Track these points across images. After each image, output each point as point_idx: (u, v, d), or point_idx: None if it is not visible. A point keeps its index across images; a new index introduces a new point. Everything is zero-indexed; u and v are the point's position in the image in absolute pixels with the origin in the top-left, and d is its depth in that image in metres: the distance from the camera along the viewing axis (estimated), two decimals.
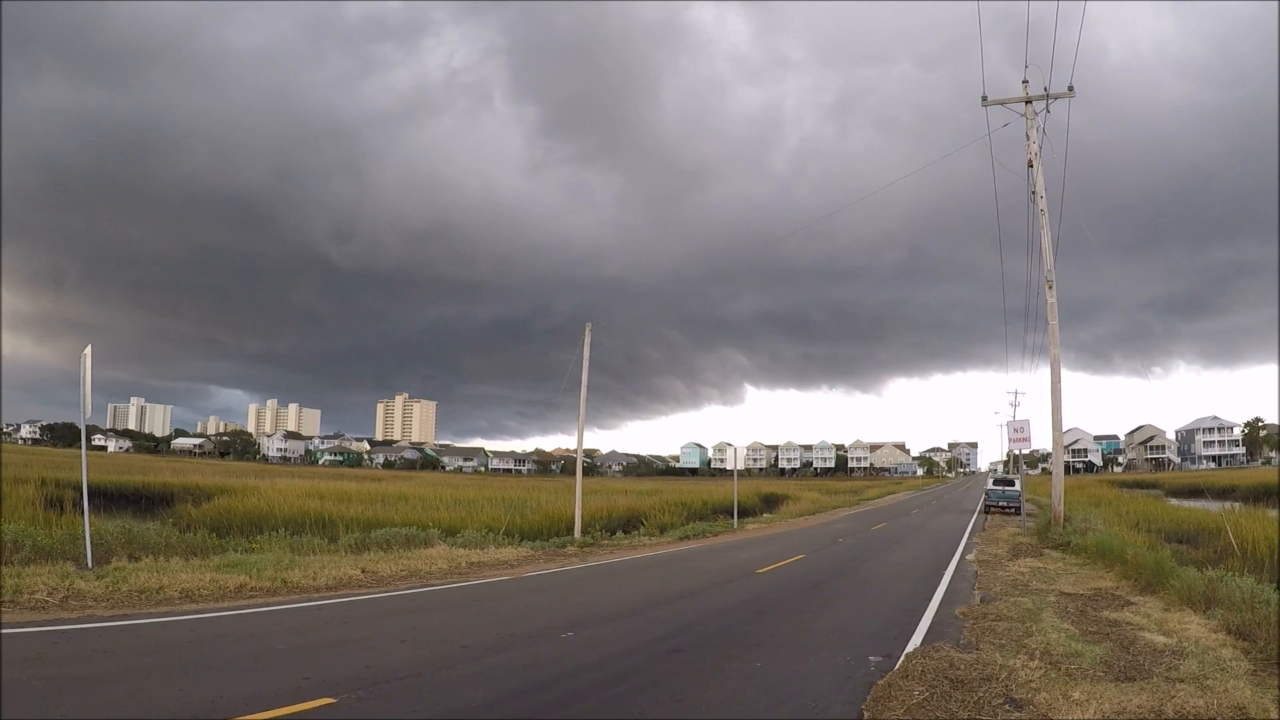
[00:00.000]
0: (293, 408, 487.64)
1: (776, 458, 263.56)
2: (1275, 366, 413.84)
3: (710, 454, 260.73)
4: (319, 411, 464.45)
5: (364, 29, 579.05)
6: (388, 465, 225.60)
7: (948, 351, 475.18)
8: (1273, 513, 39.24)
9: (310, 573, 17.89)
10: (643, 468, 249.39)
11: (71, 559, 17.22)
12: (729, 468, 57.36)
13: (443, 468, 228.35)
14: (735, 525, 42.14)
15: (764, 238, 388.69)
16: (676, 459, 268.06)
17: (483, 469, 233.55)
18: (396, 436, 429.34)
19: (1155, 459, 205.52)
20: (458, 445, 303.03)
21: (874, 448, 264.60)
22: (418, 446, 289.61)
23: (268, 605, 14.80)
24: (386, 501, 50.07)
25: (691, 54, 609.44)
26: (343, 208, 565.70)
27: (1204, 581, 15.49)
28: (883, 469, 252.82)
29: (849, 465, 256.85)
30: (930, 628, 13.24)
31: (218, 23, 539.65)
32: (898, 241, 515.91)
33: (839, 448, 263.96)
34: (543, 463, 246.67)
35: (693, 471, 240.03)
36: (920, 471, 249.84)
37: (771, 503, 75.07)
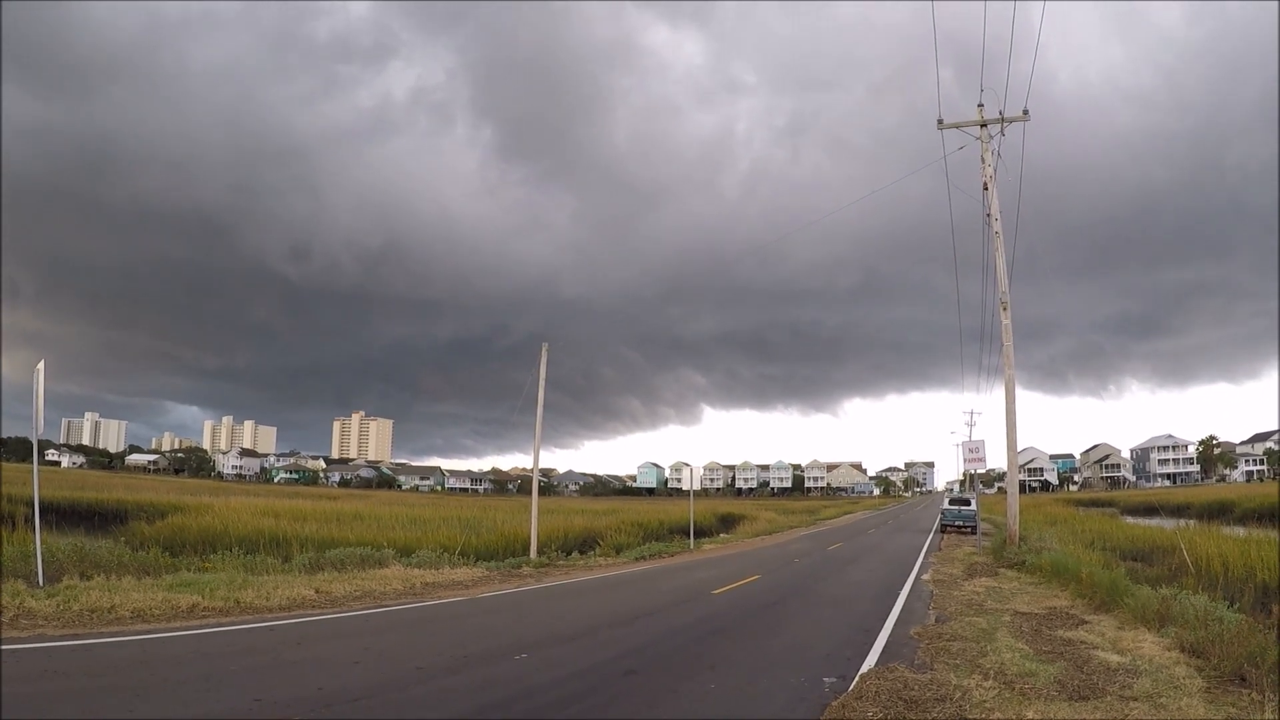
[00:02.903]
0: (248, 424, 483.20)
1: (733, 478, 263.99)
2: (1226, 384, 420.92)
3: (667, 474, 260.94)
4: (275, 429, 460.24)
5: (329, 49, 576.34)
6: (343, 484, 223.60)
7: (904, 372, 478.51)
8: (1225, 530, 39.69)
9: (264, 593, 17.62)
10: (600, 487, 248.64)
11: (22, 577, 16.90)
12: (686, 488, 56.81)
13: (399, 487, 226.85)
14: (692, 545, 42.06)
15: (718, 259, 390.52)
16: (633, 479, 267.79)
17: (439, 488, 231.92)
18: (353, 455, 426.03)
19: (1111, 477, 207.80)
20: (414, 464, 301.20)
21: (831, 467, 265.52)
22: (374, 465, 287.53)
23: (220, 625, 14.56)
24: (342, 520, 49.56)
25: (645, 76, 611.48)
26: (301, 225, 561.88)
27: (1158, 600, 15.64)
28: (840, 489, 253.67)
29: (806, 485, 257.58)
30: (885, 648, 13.25)
31: (180, 38, 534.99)
32: (852, 264, 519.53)
33: (796, 468, 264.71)
34: (499, 482, 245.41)
35: (650, 491, 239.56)
36: (877, 491, 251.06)
37: (728, 523, 75.05)
